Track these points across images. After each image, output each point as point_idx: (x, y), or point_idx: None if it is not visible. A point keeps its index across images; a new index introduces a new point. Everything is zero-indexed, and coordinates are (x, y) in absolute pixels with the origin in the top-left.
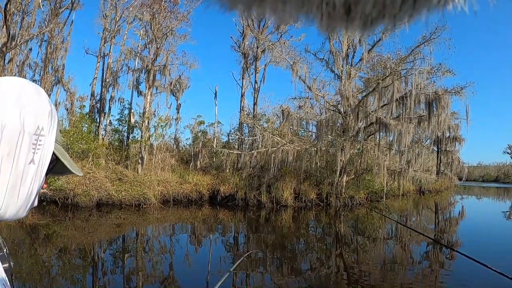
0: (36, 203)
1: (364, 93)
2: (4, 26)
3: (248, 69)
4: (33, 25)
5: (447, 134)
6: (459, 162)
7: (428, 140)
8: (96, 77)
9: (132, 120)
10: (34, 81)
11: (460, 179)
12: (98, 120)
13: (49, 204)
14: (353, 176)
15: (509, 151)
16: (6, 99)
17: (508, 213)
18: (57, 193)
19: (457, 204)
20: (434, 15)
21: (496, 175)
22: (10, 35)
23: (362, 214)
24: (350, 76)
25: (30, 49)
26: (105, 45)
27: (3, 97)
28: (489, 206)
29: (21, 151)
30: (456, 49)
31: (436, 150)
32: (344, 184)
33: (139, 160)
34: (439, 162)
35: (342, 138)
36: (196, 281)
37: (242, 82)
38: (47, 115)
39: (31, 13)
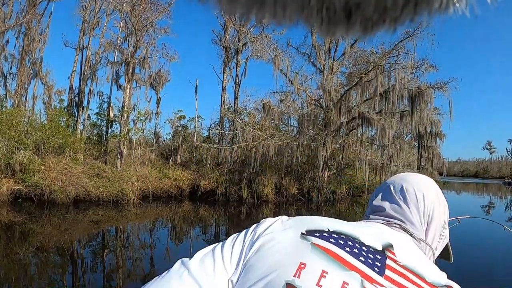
0: None
1: (346, 88)
2: None
3: (229, 63)
4: (10, 16)
5: (429, 130)
6: (440, 157)
7: (409, 135)
8: (75, 70)
9: (111, 114)
10: (10, 74)
11: (440, 174)
12: (76, 114)
13: (25, 201)
14: (334, 171)
15: (488, 147)
16: (432, 196)
17: (487, 208)
18: (33, 190)
19: None
20: (435, 19)
21: (475, 170)
22: None
23: (344, 208)
24: (332, 71)
25: (7, 41)
26: (84, 38)
27: (430, 194)
28: (469, 201)
29: (435, 241)
30: (439, 45)
31: (417, 145)
32: (325, 179)
33: (118, 155)
34: (420, 157)
35: (324, 133)
36: None
37: (223, 76)
38: (447, 210)
39: (7, 3)
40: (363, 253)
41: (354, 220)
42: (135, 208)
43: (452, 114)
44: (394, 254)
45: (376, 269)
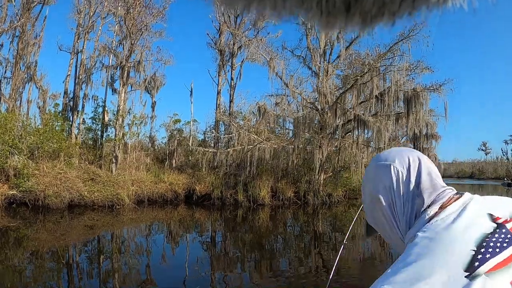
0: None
1: (342, 90)
2: None
3: (225, 66)
4: (4, 20)
5: (424, 131)
6: (436, 159)
7: (405, 137)
8: (70, 74)
9: (106, 118)
10: (5, 78)
11: None
12: (71, 119)
13: (19, 206)
14: (330, 173)
15: (483, 148)
16: None
17: None
18: (27, 195)
19: None
20: (433, 13)
21: (471, 171)
22: None
23: (340, 211)
24: (327, 73)
25: (1, 45)
26: (78, 41)
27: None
28: None
29: None
30: (434, 45)
31: (413, 147)
32: (321, 181)
33: (113, 159)
34: None
35: (320, 136)
36: (173, 282)
37: (218, 79)
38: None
39: (2, 7)
40: None
41: (351, 222)
42: (131, 213)
43: (448, 115)
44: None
45: None
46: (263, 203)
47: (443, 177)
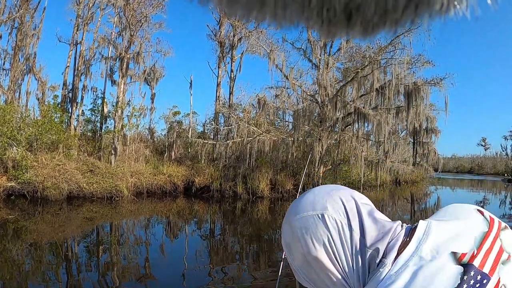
0: None
1: (342, 83)
2: None
3: (224, 58)
4: (3, 11)
5: (424, 126)
6: (435, 153)
7: (404, 131)
8: (69, 66)
9: (105, 110)
10: (3, 69)
11: (435, 170)
12: (70, 110)
13: (18, 198)
14: (330, 166)
15: (482, 143)
16: None
17: (481, 204)
18: (26, 187)
19: (432, 194)
20: (435, 21)
21: (470, 166)
22: None
23: None
24: (328, 66)
25: (0, 36)
26: (78, 33)
27: None
28: (464, 197)
29: None
30: (436, 40)
31: (412, 141)
32: (321, 174)
33: (112, 151)
34: (415, 153)
35: (320, 128)
36: (172, 274)
37: (218, 71)
38: None
39: None
40: None
41: None
42: (130, 205)
43: (448, 109)
44: None
45: None
46: (262, 196)
47: (442, 172)
